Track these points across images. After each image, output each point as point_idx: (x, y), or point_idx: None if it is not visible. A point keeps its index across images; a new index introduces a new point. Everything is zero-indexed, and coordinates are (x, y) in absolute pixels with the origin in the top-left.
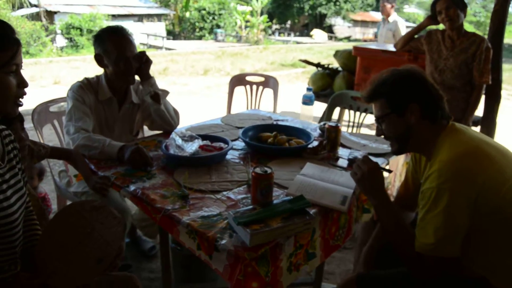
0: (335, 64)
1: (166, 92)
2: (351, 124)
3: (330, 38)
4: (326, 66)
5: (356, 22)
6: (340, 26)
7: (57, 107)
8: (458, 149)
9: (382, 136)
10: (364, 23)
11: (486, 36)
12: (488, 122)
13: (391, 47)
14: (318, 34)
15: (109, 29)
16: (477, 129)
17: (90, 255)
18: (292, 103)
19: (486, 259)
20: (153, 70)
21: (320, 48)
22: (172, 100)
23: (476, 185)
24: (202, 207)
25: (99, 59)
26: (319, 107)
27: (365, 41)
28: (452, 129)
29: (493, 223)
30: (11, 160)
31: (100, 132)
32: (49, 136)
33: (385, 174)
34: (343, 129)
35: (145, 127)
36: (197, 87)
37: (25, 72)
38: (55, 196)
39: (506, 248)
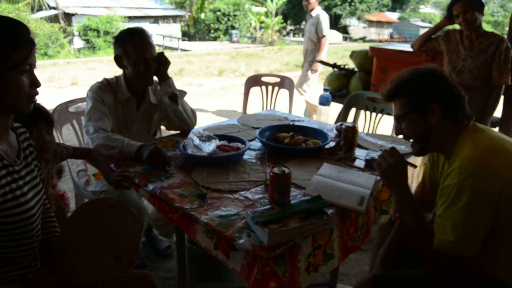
0: (351, 65)
1: (183, 93)
2: (367, 125)
3: (345, 38)
4: (342, 66)
5: (371, 23)
6: (355, 27)
7: (76, 108)
8: (480, 147)
9: (401, 136)
10: (379, 24)
11: (505, 36)
12: (507, 123)
13: (408, 48)
14: (333, 35)
15: (130, 31)
16: (495, 130)
17: (108, 252)
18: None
19: (505, 261)
20: (169, 71)
21: (335, 48)
22: (187, 100)
23: (498, 183)
24: (220, 207)
25: (118, 60)
26: (335, 108)
27: (380, 41)
28: (473, 129)
29: None
30: (26, 157)
31: (119, 131)
32: (67, 136)
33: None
34: (359, 130)
35: (163, 127)
36: (212, 87)
37: (44, 73)
38: (73, 195)
39: None
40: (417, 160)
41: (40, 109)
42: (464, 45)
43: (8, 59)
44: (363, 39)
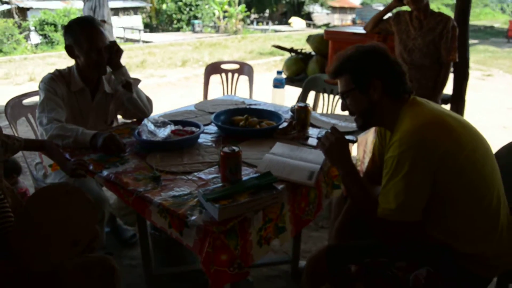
0: (308, 49)
1: (137, 81)
2: (325, 107)
3: (308, 25)
4: (299, 51)
5: (334, 9)
6: (319, 14)
7: (31, 101)
8: (418, 120)
9: (347, 112)
10: (342, 10)
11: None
12: (457, 100)
13: (361, 30)
14: (296, 22)
15: (80, 20)
16: (447, 107)
17: (65, 238)
18: (269, 90)
19: (447, 225)
20: (130, 64)
21: (299, 35)
22: (150, 91)
23: (436, 153)
24: (174, 188)
25: (70, 50)
26: (295, 92)
27: (343, 27)
28: (413, 102)
29: (453, 189)
30: None
31: (74, 122)
32: (26, 134)
33: (354, 151)
34: (319, 111)
35: (120, 117)
36: (175, 78)
37: None
38: (34, 190)
39: (464, 213)
40: (369, 138)
41: None
42: (413, 25)
43: None
44: (326, 25)
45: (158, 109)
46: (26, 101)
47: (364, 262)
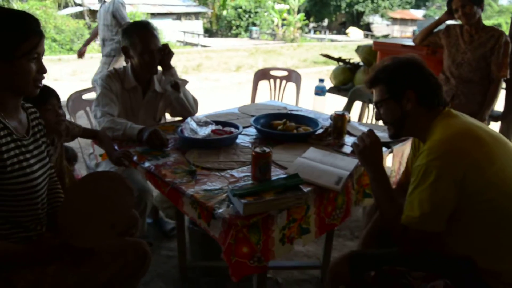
0: (357, 59)
1: (185, 82)
2: (370, 117)
3: (366, 36)
4: (347, 60)
5: (395, 20)
6: (379, 24)
7: (89, 96)
8: (449, 130)
9: (381, 121)
10: (403, 21)
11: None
12: (509, 117)
13: (410, 42)
14: (354, 32)
15: (136, 24)
16: (497, 124)
17: (104, 220)
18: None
19: (471, 239)
20: (187, 66)
21: (355, 46)
22: (202, 94)
23: (463, 164)
24: (207, 182)
25: (126, 51)
26: (341, 102)
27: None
28: (447, 114)
29: (478, 204)
30: (35, 134)
31: (126, 117)
32: (84, 125)
33: (389, 162)
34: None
35: (168, 115)
36: (229, 82)
37: (68, 67)
38: None
39: (490, 230)
40: (405, 150)
41: (50, 89)
42: (464, 39)
43: (18, 48)
44: (386, 36)
45: (206, 110)
46: (85, 96)
47: (381, 269)
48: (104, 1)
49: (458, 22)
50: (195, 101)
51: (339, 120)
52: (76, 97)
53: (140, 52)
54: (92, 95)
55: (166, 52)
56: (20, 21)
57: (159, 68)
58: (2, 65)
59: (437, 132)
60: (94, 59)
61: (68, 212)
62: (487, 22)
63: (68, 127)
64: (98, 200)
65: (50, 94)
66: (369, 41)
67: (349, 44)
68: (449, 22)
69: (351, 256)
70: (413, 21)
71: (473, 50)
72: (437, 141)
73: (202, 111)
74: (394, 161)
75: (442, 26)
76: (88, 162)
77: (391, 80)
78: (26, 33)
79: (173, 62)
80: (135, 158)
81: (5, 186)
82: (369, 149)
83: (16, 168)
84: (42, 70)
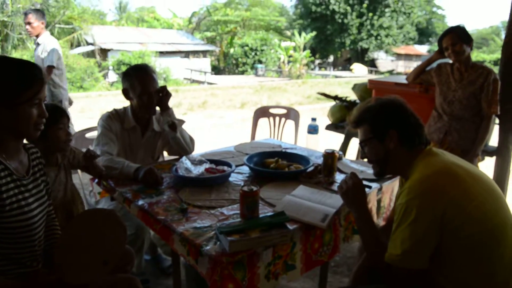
0: (353, 97)
1: (182, 121)
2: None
3: (370, 71)
4: (343, 98)
5: (399, 56)
6: (383, 60)
7: (92, 135)
8: (428, 169)
9: (366, 160)
10: (407, 56)
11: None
12: (503, 152)
13: (403, 80)
14: (358, 68)
15: (135, 67)
16: (492, 159)
17: (97, 256)
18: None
19: (456, 274)
20: (192, 103)
21: (358, 81)
22: (207, 131)
23: (442, 202)
24: (197, 220)
25: (126, 93)
26: (339, 139)
27: (406, 74)
28: (428, 153)
29: (460, 239)
30: (35, 173)
31: (125, 156)
32: None
33: (374, 196)
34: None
35: (166, 153)
36: (233, 119)
37: (77, 104)
38: None
39: (473, 264)
40: (395, 187)
41: (61, 108)
42: (454, 77)
43: (21, 95)
44: (390, 72)
45: (205, 148)
46: (88, 135)
47: None
48: (38, 43)
49: (449, 60)
50: (192, 140)
51: (329, 158)
52: (80, 135)
53: (139, 94)
54: (94, 134)
55: (164, 94)
56: (24, 70)
57: (158, 108)
58: (5, 111)
59: (417, 171)
60: (102, 97)
61: (64, 249)
62: (490, 57)
63: (74, 151)
64: (92, 237)
65: (62, 113)
66: (373, 77)
67: (353, 80)
68: (441, 60)
69: None
70: (417, 56)
71: (463, 88)
72: (416, 180)
73: (204, 148)
74: (384, 197)
75: (434, 65)
76: (88, 199)
77: (374, 120)
78: (29, 82)
79: (180, 99)
80: (129, 196)
81: (4, 224)
82: (351, 190)
83: (15, 207)
84: (42, 114)
